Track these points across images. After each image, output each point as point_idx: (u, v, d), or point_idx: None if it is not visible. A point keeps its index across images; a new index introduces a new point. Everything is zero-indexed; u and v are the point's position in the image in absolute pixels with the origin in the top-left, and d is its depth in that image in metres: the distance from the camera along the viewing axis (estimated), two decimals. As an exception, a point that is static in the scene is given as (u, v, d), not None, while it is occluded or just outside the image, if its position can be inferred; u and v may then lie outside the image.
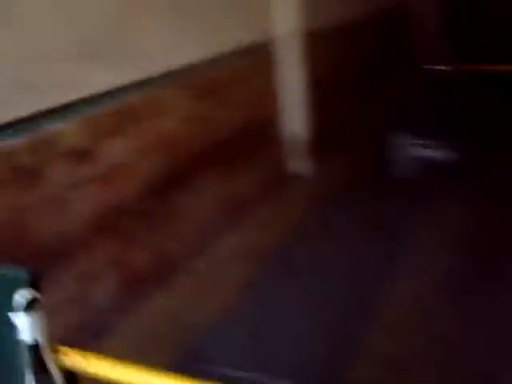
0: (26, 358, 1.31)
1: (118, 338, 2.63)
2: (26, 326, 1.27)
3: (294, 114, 4.36)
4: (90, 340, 2.51)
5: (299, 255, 3.38)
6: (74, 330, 2.49)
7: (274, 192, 4.09)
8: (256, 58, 3.98)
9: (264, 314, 2.82)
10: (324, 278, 3.10)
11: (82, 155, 2.51)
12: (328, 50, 4.69)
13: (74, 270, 2.50)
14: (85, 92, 2.53)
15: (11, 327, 1.29)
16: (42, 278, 1.28)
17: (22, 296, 1.26)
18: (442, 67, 5.84)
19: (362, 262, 3.23)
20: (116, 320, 2.71)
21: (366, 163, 4.75)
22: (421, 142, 4.44)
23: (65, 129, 2.42)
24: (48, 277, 2.30)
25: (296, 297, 2.95)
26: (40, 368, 1.32)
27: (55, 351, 1.37)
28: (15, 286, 1.26)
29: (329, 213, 3.88)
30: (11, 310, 1.27)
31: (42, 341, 1.30)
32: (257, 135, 3.96)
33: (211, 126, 3.45)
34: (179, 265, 3.15)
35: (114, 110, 2.69)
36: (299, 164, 4.47)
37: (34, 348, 1.31)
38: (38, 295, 1.26)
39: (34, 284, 1.27)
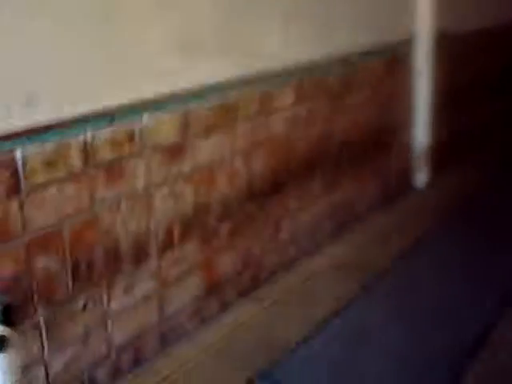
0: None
1: (192, 346, 2.50)
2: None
3: (419, 121, 4.00)
4: (161, 346, 2.43)
5: (406, 274, 3.06)
6: (147, 334, 2.39)
7: (388, 202, 3.78)
8: (382, 60, 3.66)
9: (357, 337, 2.55)
10: (429, 303, 2.76)
11: (172, 151, 2.36)
12: (462, 54, 4.27)
13: (152, 270, 2.38)
14: (183, 85, 2.37)
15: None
16: (14, 310, 1.07)
17: None
18: None
19: (477, 291, 2.86)
20: (194, 327, 2.58)
21: (494, 178, 4.28)
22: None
23: (156, 123, 2.28)
24: (126, 278, 2.28)
25: (396, 321, 2.64)
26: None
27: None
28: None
29: (444, 230, 3.51)
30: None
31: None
32: (373, 141, 3.65)
33: (323, 129, 3.19)
34: (269, 274, 2.96)
35: (213, 105, 2.51)
36: (419, 174, 4.10)
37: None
38: (9, 332, 1.06)
39: (5, 318, 1.06)
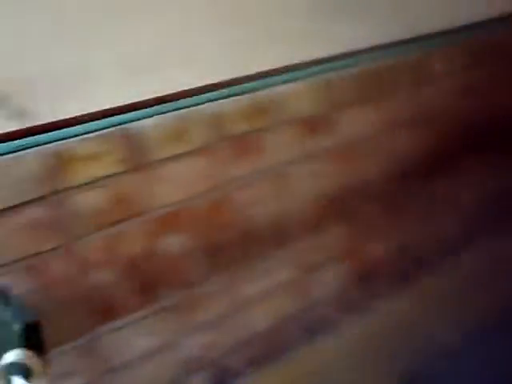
0: None
1: (337, 339, 2.30)
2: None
3: None
4: (303, 336, 2.26)
5: None
6: (287, 322, 2.23)
7: None
8: None
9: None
10: None
11: (310, 124, 2.16)
12: None
13: (293, 255, 2.21)
14: (323, 51, 2.16)
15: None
16: (42, 330, 0.82)
17: (11, 360, 0.79)
18: None
19: None
20: (340, 318, 2.37)
21: None
22: None
23: (292, 93, 2.09)
24: (264, 261, 2.13)
25: None
26: None
27: None
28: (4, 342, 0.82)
29: None
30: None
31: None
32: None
33: (494, 100, 2.80)
34: (426, 264, 2.65)
35: (358, 74, 2.27)
36: None
37: None
38: (33, 359, 0.80)
39: (30, 341, 0.81)
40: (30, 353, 0.79)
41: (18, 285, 1.59)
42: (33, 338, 0.80)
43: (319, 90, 2.15)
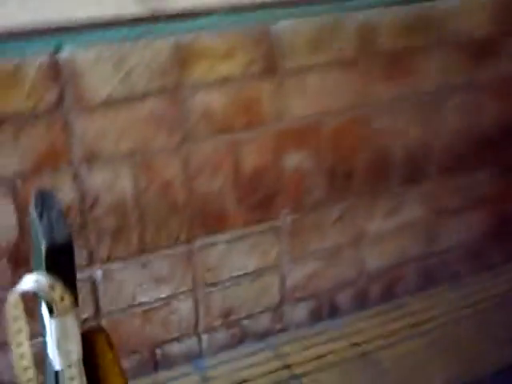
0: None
1: (460, 294, 2.07)
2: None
3: None
4: (421, 283, 2.07)
5: None
6: (406, 265, 2.04)
7: None
8: None
9: None
10: None
11: (475, 49, 1.85)
12: None
13: (426, 195, 1.98)
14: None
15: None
16: (73, 254, 0.65)
17: (30, 285, 0.64)
18: None
19: None
20: (469, 271, 2.14)
21: None
22: None
23: (459, 10, 1.78)
24: (393, 197, 1.92)
25: None
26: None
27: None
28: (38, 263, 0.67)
29: None
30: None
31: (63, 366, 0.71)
32: None
33: None
34: None
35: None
36: None
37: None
38: (57, 290, 0.63)
39: (58, 265, 0.63)
40: (53, 280, 0.63)
41: (126, 179, 1.52)
42: (60, 262, 0.64)
43: (490, 9, 1.81)
